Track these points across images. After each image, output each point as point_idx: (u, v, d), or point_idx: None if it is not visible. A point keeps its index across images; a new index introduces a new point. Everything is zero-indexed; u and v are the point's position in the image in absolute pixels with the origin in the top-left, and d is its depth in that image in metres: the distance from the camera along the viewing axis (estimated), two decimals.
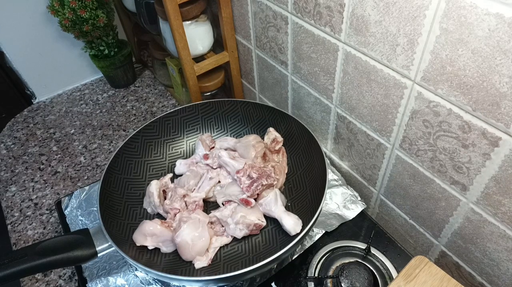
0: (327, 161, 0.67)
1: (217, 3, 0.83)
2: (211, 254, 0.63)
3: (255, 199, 0.67)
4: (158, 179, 0.73)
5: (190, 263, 0.62)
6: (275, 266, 0.66)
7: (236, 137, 0.80)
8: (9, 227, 0.82)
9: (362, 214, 0.73)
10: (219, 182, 0.73)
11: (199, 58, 0.94)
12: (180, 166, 0.77)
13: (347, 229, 0.71)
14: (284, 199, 0.69)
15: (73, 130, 1.05)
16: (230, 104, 0.82)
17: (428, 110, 0.52)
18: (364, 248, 0.66)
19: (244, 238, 0.66)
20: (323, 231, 0.70)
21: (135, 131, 0.76)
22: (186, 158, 0.81)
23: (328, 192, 0.75)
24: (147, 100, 1.16)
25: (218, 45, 0.96)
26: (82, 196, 0.80)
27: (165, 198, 0.72)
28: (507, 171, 0.46)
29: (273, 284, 0.64)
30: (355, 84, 0.62)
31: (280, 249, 0.55)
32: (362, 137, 0.68)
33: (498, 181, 0.48)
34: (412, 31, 0.47)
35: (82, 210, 0.77)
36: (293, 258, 0.67)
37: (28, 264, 0.53)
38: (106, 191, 0.66)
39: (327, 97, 0.71)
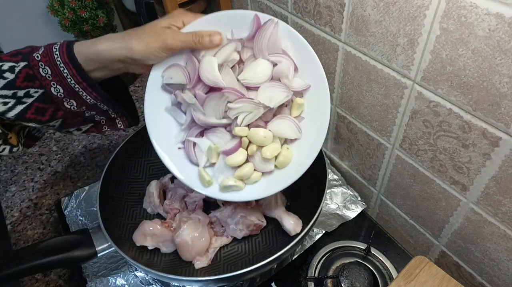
0: (327, 161, 0.67)
1: (217, 3, 0.83)
2: (211, 254, 0.63)
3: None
4: (158, 179, 0.73)
5: (190, 263, 0.62)
6: (275, 266, 0.65)
7: None
8: (9, 227, 0.82)
9: (362, 214, 0.73)
10: None
11: None
12: None
13: (347, 229, 0.71)
14: (284, 199, 0.69)
15: None
16: None
17: (428, 110, 0.52)
18: (364, 248, 0.66)
19: (244, 238, 0.66)
20: (323, 231, 0.70)
21: (135, 131, 0.76)
22: None
23: (328, 192, 0.75)
24: None
25: None
26: (82, 196, 0.80)
27: (165, 198, 0.72)
28: (507, 171, 0.46)
29: (273, 284, 0.64)
30: (355, 84, 0.62)
31: (280, 249, 0.55)
32: (362, 137, 0.68)
33: (498, 181, 0.48)
34: (412, 31, 0.47)
35: (82, 210, 0.77)
36: (293, 258, 0.67)
37: (28, 264, 0.53)
38: (106, 190, 0.66)
39: None
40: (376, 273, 0.63)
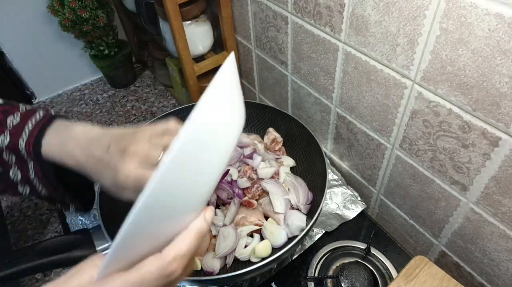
0: (327, 161, 0.67)
1: (217, 3, 0.83)
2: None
3: (256, 200, 0.67)
4: None
5: None
6: (275, 266, 0.66)
7: None
8: (9, 227, 0.82)
9: (362, 214, 0.73)
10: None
11: (199, 58, 0.94)
12: None
13: (347, 229, 0.71)
14: None
15: None
16: None
17: (428, 110, 0.52)
18: (364, 248, 0.66)
19: None
20: (323, 231, 0.70)
21: None
22: None
23: (328, 192, 0.75)
24: (147, 100, 1.16)
25: (218, 45, 0.96)
26: None
27: None
28: (507, 171, 0.46)
29: (273, 284, 0.64)
30: (355, 84, 0.62)
31: (280, 249, 0.55)
32: (362, 137, 0.68)
33: (498, 181, 0.48)
34: (412, 31, 0.47)
35: None
36: (293, 258, 0.67)
37: (28, 264, 0.53)
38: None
39: (327, 97, 0.71)
40: (376, 273, 0.63)
